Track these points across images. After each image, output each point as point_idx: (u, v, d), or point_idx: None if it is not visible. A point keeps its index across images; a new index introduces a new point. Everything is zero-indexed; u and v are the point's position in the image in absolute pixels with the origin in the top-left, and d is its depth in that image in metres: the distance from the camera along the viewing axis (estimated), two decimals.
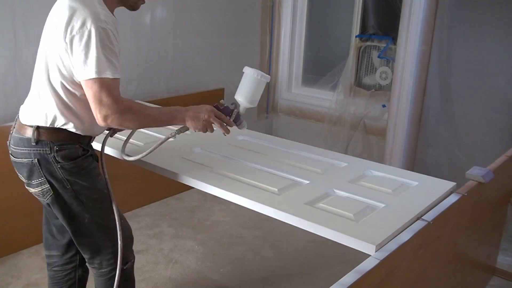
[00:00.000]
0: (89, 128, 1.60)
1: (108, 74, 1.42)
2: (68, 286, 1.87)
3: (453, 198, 1.61)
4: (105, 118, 1.44)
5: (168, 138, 1.69)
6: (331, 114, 3.92)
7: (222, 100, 1.66)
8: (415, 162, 3.35)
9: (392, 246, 1.28)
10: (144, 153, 1.72)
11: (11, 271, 2.43)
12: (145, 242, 2.80)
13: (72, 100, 1.53)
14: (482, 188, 1.77)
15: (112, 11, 1.59)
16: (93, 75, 1.41)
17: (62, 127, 1.54)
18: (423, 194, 1.65)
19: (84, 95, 1.48)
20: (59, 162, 1.54)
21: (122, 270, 1.71)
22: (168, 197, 3.40)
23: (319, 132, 4.01)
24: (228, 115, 1.65)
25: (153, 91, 3.35)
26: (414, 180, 1.78)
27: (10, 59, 2.53)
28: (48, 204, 1.61)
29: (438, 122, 3.20)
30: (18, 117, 1.63)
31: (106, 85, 1.42)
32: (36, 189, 1.59)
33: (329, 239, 1.40)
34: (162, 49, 3.38)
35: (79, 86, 1.50)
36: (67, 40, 1.44)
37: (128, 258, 1.80)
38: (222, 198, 1.66)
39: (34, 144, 1.53)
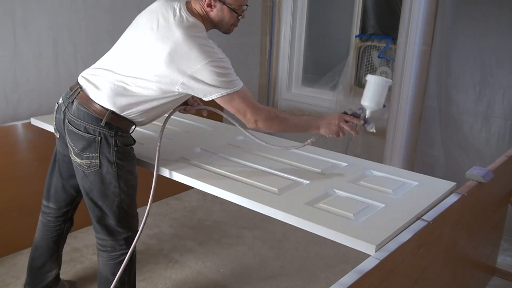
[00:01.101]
0: (146, 123, 1.81)
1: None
2: (56, 233, 2.09)
3: (453, 198, 1.61)
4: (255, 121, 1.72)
5: (306, 144, 1.89)
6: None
7: (349, 108, 1.86)
8: (415, 162, 3.35)
9: (392, 246, 1.29)
10: (300, 145, 1.92)
11: (11, 271, 2.43)
12: (145, 242, 2.80)
13: (151, 100, 1.69)
14: (482, 188, 1.77)
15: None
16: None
17: (131, 118, 1.72)
18: (423, 194, 1.65)
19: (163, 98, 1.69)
20: (117, 146, 1.71)
21: (131, 255, 1.83)
22: (168, 197, 3.40)
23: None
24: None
25: None
26: (414, 180, 1.79)
27: (10, 59, 2.53)
28: (85, 175, 1.74)
29: (438, 122, 3.20)
30: (82, 88, 1.72)
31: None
32: (84, 160, 1.70)
33: (329, 239, 1.40)
34: None
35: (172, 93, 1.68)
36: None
37: (135, 245, 1.89)
38: (222, 198, 1.66)
39: (103, 124, 1.67)
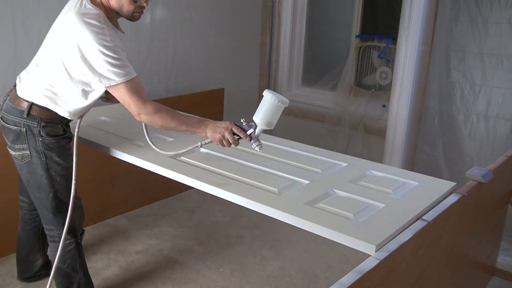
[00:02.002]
0: (72, 115, 1.85)
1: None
2: (33, 225, 2.22)
3: (453, 198, 1.61)
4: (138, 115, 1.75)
5: (194, 147, 1.89)
6: (331, 114, 3.92)
7: (242, 119, 1.77)
8: (415, 162, 3.35)
9: (392, 246, 1.29)
10: (181, 151, 1.93)
11: (11, 271, 2.43)
12: (145, 242, 2.80)
13: (68, 91, 1.78)
14: (482, 188, 1.77)
15: (117, 26, 1.86)
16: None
17: (51, 109, 1.80)
18: (423, 194, 1.65)
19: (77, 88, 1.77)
20: (42, 136, 1.80)
21: (78, 243, 2.01)
22: (168, 197, 3.40)
23: (319, 132, 4.01)
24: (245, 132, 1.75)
25: (153, 91, 3.35)
26: (414, 180, 1.79)
27: (10, 59, 2.53)
28: (21, 166, 1.87)
29: (438, 122, 3.20)
30: (15, 88, 1.86)
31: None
32: (17, 152, 1.83)
33: (329, 239, 1.40)
34: (162, 49, 3.38)
35: (83, 83, 1.77)
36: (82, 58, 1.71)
37: (80, 232, 2.06)
38: (222, 198, 1.66)
39: (26, 116, 1.78)
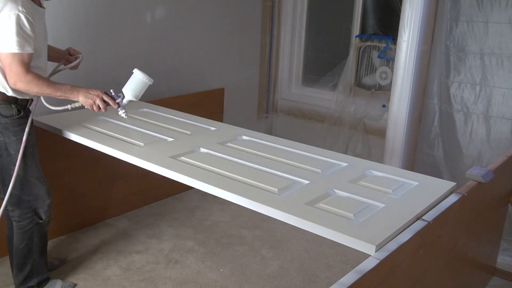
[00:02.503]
0: (17, 93, 1.95)
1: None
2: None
3: (453, 198, 1.61)
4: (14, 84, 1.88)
5: (67, 108, 2.08)
6: (331, 114, 3.92)
7: (111, 90, 2.05)
8: (415, 162, 3.35)
9: (392, 246, 1.28)
10: (56, 108, 2.12)
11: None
12: (145, 242, 2.80)
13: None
14: (482, 188, 1.77)
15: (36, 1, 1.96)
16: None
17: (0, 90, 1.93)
18: (423, 194, 1.65)
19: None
20: (4, 117, 1.92)
21: (38, 224, 2.08)
22: (168, 197, 3.40)
23: (319, 132, 4.01)
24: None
25: (153, 91, 3.34)
26: (414, 180, 1.78)
27: None
28: None
29: (438, 122, 3.20)
30: None
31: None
32: None
33: (329, 239, 1.40)
34: (162, 49, 3.38)
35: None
36: None
37: (44, 215, 2.11)
38: (222, 198, 1.66)
39: None
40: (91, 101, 1.97)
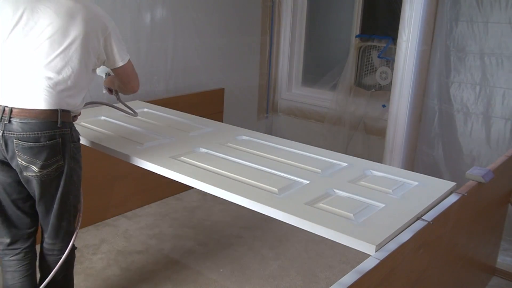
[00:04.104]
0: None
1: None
2: (27, 270, 1.91)
3: (453, 198, 1.61)
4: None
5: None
6: (331, 114, 3.92)
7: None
8: (415, 162, 3.35)
9: (392, 246, 1.28)
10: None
11: None
12: (145, 242, 2.80)
13: (84, 83, 1.75)
14: (482, 188, 1.77)
15: None
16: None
17: (70, 109, 1.72)
18: (423, 194, 1.65)
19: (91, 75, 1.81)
20: (74, 142, 1.74)
21: (75, 249, 1.89)
22: (168, 197, 3.40)
23: (319, 132, 4.01)
24: None
25: (152, 91, 3.35)
26: (414, 180, 1.78)
27: None
28: (52, 182, 1.71)
29: (438, 122, 3.20)
30: (15, 106, 1.62)
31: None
32: (51, 168, 1.68)
33: (329, 239, 1.40)
34: (162, 49, 3.38)
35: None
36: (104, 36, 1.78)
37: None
38: (222, 198, 1.66)
39: (60, 125, 1.66)
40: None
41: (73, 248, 1.85)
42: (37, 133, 1.62)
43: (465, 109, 3.05)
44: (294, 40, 4.20)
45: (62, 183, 1.72)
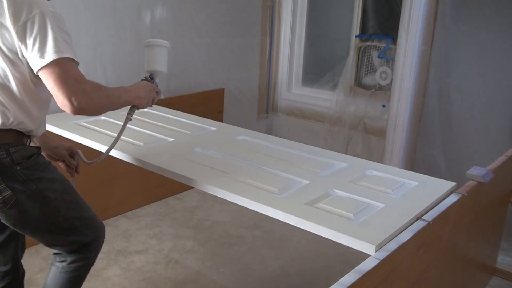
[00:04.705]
0: (38, 127, 1.53)
1: (70, 55, 1.37)
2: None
3: (453, 198, 1.61)
4: (70, 100, 1.34)
5: (126, 123, 1.76)
6: (331, 114, 3.91)
7: (146, 75, 1.79)
8: (415, 162, 3.35)
9: (392, 246, 1.28)
10: (107, 150, 1.80)
11: None
12: (145, 242, 2.80)
13: (25, 95, 1.44)
14: (482, 188, 1.77)
15: None
16: (54, 57, 1.33)
17: (13, 127, 1.44)
18: (423, 194, 1.65)
19: (39, 87, 1.43)
20: (19, 164, 1.43)
21: (92, 262, 1.71)
22: (168, 197, 3.40)
23: (319, 132, 4.01)
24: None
25: None
26: (414, 180, 1.78)
27: None
28: (6, 213, 1.45)
29: (438, 122, 3.20)
30: None
31: (70, 65, 1.37)
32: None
33: (329, 239, 1.40)
34: None
35: (36, 77, 1.41)
36: (18, 29, 1.35)
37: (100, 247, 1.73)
38: (222, 198, 1.66)
39: None
40: (152, 100, 1.70)
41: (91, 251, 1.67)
42: None
43: (465, 109, 3.05)
44: (294, 40, 4.20)
45: (33, 211, 1.47)
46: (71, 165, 1.85)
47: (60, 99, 1.35)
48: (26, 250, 2.62)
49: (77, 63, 1.41)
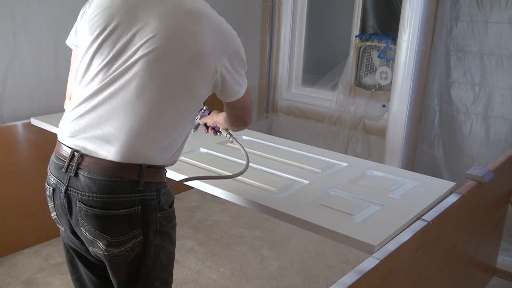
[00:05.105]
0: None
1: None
2: None
3: (453, 198, 1.61)
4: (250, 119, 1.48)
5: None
6: (331, 114, 3.91)
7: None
8: (415, 162, 3.35)
9: (392, 246, 1.28)
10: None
11: (11, 271, 2.43)
12: None
13: (180, 126, 1.26)
14: (482, 188, 1.77)
15: None
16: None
17: (162, 163, 1.25)
18: (423, 194, 1.65)
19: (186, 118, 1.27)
20: (162, 210, 1.25)
21: None
22: None
23: (319, 132, 4.01)
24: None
25: None
26: (414, 180, 1.78)
27: (10, 59, 2.53)
28: (127, 264, 1.24)
29: (438, 122, 3.20)
30: (88, 154, 1.19)
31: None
32: (125, 246, 1.21)
33: (329, 239, 1.40)
34: None
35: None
36: (227, 59, 1.27)
37: None
38: (222, 198, 1.66)
39: (141, 188, 1.19)
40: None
41: None
42: (107, 197, 1.17)
43: (465, 109, 3.05)
44: (294, 40, 4.20)
45: (143, 267, 1.25)
46: None
47: (244, 122, 1.52)
48: (26, 250, 2.64)
49: None
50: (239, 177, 1.74)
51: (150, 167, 1.20)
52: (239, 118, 1.49)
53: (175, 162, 1.30)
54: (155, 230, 1.24)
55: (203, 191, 1.72)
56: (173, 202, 1.31)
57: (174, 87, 1.20)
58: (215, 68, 1.24)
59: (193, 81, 1.22)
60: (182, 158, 1.93)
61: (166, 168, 1.30)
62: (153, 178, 1.22)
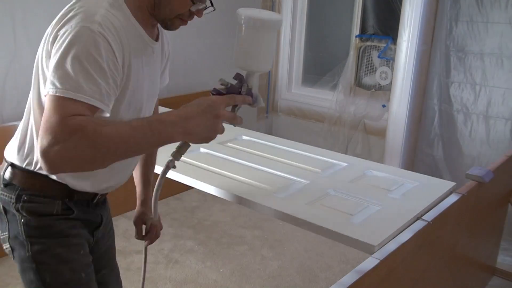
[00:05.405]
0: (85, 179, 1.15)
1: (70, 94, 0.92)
2: None
3: (453, 198, 1.61)
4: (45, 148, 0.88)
5: (168, 168, 1.22)
6: (331, 114, 3.92)
7: (222, 78, 1.14)
8: (415, 162, 3.35)
9: (392, 246, 1.28)
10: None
11: (11, 271, 2.43)
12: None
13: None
14: (482, 188, 1.77)
15: (144, 24, 1.17)
16: (53, 91, 0.93)
17: (41, 171, 1.11)
18: (423, 194, 1.65)
19: None
20: (24, 217, 1.12)
21: None
22: (168, 197, 3.40)
23: (319, 132, 4.01)
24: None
25: None
26: (414, 180, 1.78)
27: (10, 59, 2.53)
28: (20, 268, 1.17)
29: (438, 122, 3.20)
30: None
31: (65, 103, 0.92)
32: (3, 244, 1.17)
33: (329, 239, 1.39)
34: None
35: None
36: (50, 43, 1.05)
37: None
38: (222, 198, 1.66)
39: (3, 186, 1.14)
40: (214, 130, 1.07)
41: None
42: None
43: (465, 109, 3.05)
44: (294, 40, 4.20)
45: (24, 278, 1.15)
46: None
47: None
48: None
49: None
50: (239, 177, 1.74)
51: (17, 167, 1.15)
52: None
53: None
54: (21, 240, 1.12)
55: (203, 191, 1.72)
56: (50, 214, 1.13)
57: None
58: None
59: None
60: (182, 158, 1.93)
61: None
62: (19, 181, 1.13)
